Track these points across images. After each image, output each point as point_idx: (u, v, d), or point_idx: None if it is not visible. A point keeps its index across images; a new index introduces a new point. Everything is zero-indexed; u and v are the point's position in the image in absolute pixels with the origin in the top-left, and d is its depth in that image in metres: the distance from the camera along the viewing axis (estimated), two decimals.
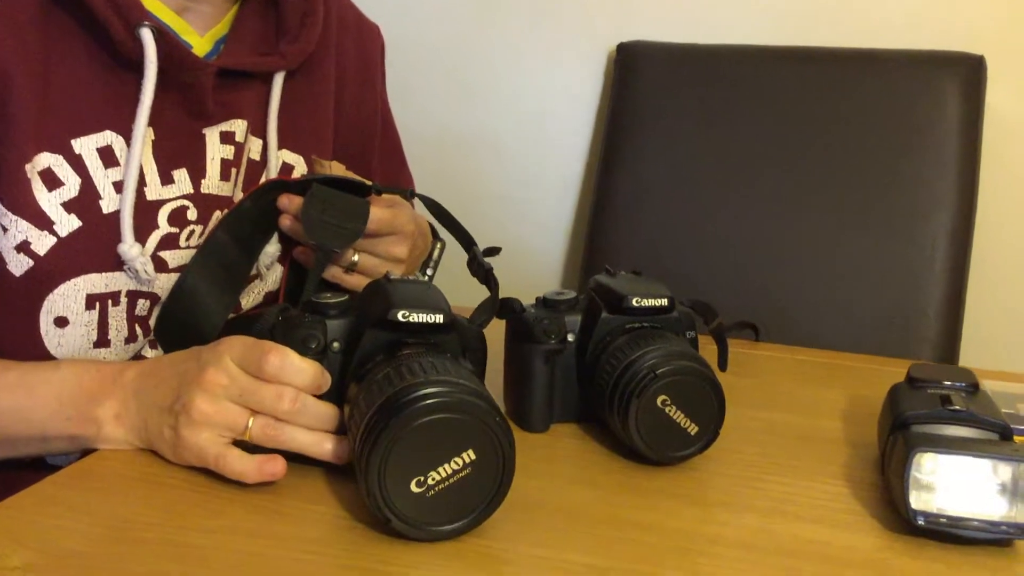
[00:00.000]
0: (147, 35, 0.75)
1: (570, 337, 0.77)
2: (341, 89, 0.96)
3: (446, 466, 0.58)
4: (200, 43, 0.84)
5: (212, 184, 0.84)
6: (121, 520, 0.61)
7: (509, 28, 1.63)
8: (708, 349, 0.82)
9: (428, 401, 0.57)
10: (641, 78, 1.50)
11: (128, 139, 0.77)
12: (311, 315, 0.68)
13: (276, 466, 0.65)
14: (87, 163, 0.76)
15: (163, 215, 0.81)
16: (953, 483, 0.61)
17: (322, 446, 0.66)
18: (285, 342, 0.67)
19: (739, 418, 0.81)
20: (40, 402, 0.71)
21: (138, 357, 0.83)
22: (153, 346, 0.84)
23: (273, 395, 0.65)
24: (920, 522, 0.61)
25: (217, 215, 0.84)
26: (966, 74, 1.36)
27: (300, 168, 0.91)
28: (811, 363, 1.01)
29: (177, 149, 0.81)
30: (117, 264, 0.78)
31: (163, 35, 0.76)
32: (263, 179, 0.88)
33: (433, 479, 0.58)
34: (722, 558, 0.60)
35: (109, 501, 0.64)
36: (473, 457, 0.58)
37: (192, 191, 0.82)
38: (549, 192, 1.65)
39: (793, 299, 1.36)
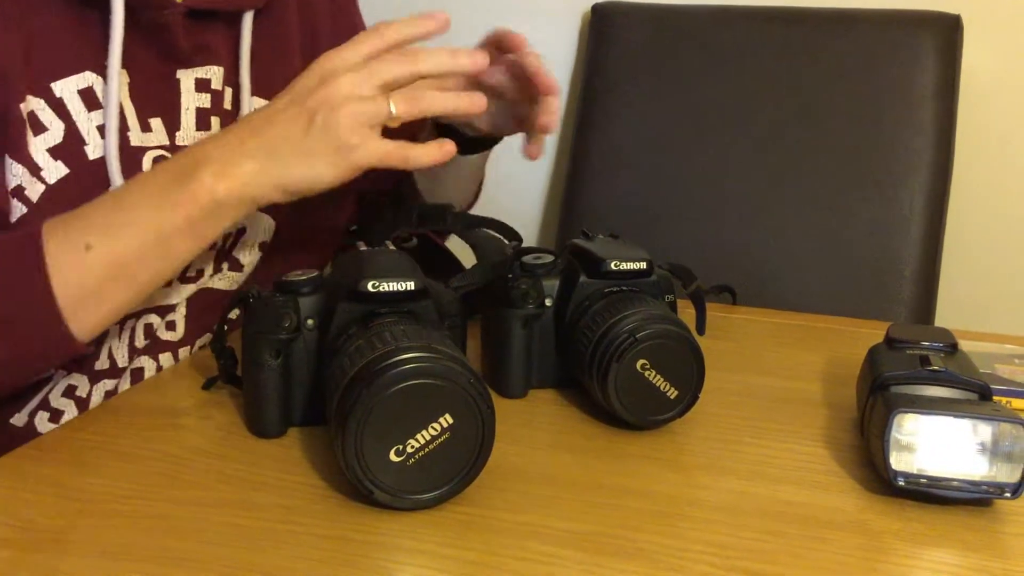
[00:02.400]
0: None
1: (548, 302, 0.76)
2: (311, 24, 0.93)
3: (424, 432, 0.57)
4: None
5: (188, 135, 0.82)
6: (93, 493, 0.60)
7: None
8: (686, 313, 0.82)
9: (400, 368, 0.56)
10: (615, 39, 1.48)
11: (107, 80, 0.76)
12: (282, 294, 0.67)
13: (451, 145, 0.73)
14: (69, 107, 0.74)
15: (147, 161, 0.79)
16: (933, 443, 0.61)
17: (460, 98, 0.73)
18: (256, 324, 0.66)
19: (718, 381, 0.80)
20: (141, 205, 0.70)
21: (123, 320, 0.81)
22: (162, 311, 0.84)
23: (395, 55, 0.70)
24: (900, 483, 0.61)
25: None
26: (942, 34, 1.35)
27: None
28: (788, 326, 1.01)
29: (152, 94, 0.79)
30: None
31: None
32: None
33: (412, 447, 0.57)
34: (703, 521, 0.60)
35: (81, 474, 0.63)
36: (451, 421, 0.57)
37: (168, 142, 0.81)
38: (520, 161, 1.63)
39: (769, 261, 1.36)
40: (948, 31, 1.36)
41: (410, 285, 0.65)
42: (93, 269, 0.68)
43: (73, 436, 0.68)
